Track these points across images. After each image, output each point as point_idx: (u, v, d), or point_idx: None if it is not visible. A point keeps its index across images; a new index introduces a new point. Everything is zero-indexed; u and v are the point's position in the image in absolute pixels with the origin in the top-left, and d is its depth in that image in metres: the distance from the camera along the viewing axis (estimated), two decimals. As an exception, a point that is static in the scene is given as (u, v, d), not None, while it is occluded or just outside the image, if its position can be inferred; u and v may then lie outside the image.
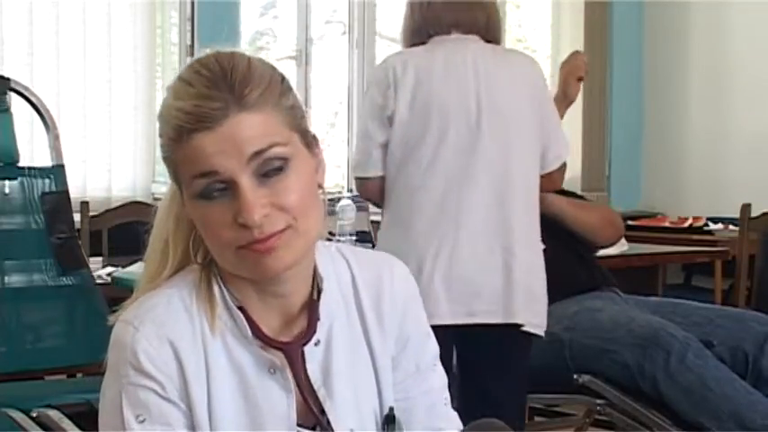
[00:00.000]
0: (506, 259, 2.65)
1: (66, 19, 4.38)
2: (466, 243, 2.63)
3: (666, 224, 5.51)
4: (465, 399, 2.62)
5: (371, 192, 2.77)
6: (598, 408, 3.04)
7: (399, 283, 1.45)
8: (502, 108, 2.69)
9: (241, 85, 1.26)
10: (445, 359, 2.66)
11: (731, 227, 4.90)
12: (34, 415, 2.33)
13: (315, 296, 1.37)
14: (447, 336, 2.60)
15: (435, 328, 2.59)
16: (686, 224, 5.38)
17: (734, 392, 2.84)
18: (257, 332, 1.33)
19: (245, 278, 1.32)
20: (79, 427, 2.27)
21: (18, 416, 2.33)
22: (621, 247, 3.92)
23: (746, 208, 4.08)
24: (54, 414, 2.32)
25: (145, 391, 1.28)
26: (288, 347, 1.34)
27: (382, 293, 1.42)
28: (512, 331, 2.67)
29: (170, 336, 1.30)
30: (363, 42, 5.41)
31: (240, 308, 1.33)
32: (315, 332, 1.35)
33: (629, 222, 5.30)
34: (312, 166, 1.32)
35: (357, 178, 2.80)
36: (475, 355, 2.71)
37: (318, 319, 1.36)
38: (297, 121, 1.30)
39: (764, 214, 4.11)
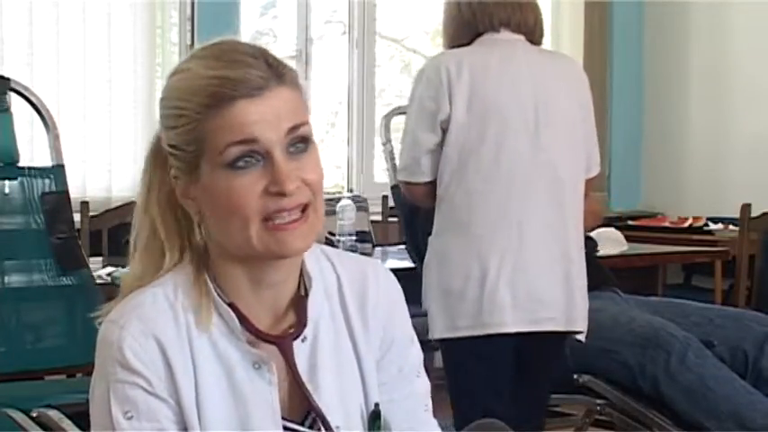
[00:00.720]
0: (566, 266, 2.67)
1: (66, 19, 4.38)
2: (529, 250, 2.62)
3: (666, 224, 5.51)
4: (515, 402, 2.66)
5: (418, 197, 2.75)
6: (598, 408, 3.04)
7: (384, 286, 1.46)
8: (556, 112, 2.69)
9: (277, 62, 1.31)
10: (505, 365, 2.66)
11: (731, 227, 4.89)
12: (34, 415, 2.33)
13: (302, 293, 1.39)
14: (509, 343, 2.61)
15: (498, 336, 2.58)
16: (686, 224, 5.39)
17: (734, 392, 2.84)
18: (249, 327, 1.34)
19: (241, 270, 1.33)
20: (79, 427, 2.27)
21: (18, 416, 2.33)
22: (621, 246, 3.92)
23: (746, 208, 4.08)
24: (54, 414, 2.32)
25: (132, 388, 1.29)
26: (278, 341, 1.35)
27: (366, 296, 1.43)
28: (564, 337, 2.72)
29: (155, 332, 1.30)
30: (363, 42, 5.41)
31: (230, 304, 1.34)
32: (304, 327, 1.37)
33: (629, 222, 5.31)
34: (319, 154, 1.35)
35: (403, 182, 2.77)
36: (531, 361, 2.72)
37: (305, 316, 1.37)
38: (308, 111, 1.35)
39: (764, 214, 4.11)
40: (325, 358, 1.38)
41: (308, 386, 1.36)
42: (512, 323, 2.61)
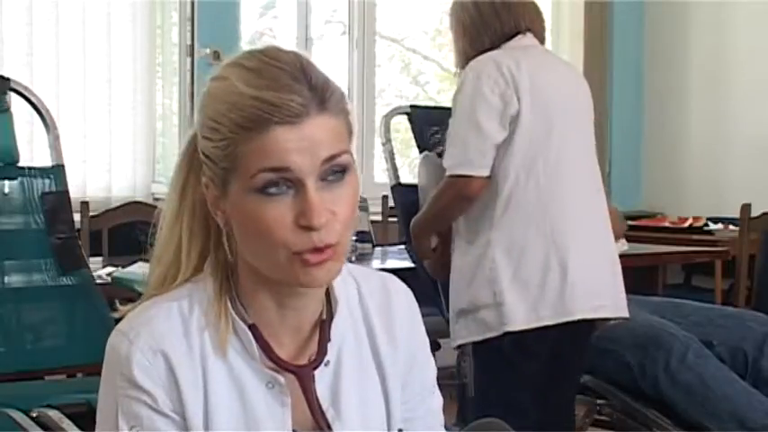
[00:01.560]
0: (611, 255, 2.80)
1: (66, 19, 4.37)
2: (589, 239, 2.73)
3: (666, 224, 5.52)
4: (559, 391, 2.80)
5: (476, 190, 2.74)
6: (598, 408, 3.04)
7: (406, 304, 1.45)
8: (587, 114, 2.86)
9: (323, 87, 1.25)
10: (576, 353, 2.78)
11: (731, 227, 4.90)
12: (34, 415, 2.33)
13: (324, 316, 1.36)
14: (550, 335, 2.68)
15: (566, 324, 2.65)
16: (686, 224, 5.39)
17: (734, 392, 2.84)
18: (269, 354, 1.32)
19: (268, 290, 1.31)
20: (79, 427, 2.27)
21: (18, 416, 2.33)
22: (621, 246, 3.91)
23: (746, 208, 4.09)
24: (54, 414, 2.32)
25: (138, 404, 1.28)
26: (299, 370, 1.33)
27: (393, 315, 1.42)
28: (594, 327, 2.80)
29: (164, 348, 1.29)
30: (363, 42, 5.41)
31: (252, 326, 1.32)
32: (325, 353, 1.35)
33: (630, 222, 5.30)
34: (358, 181, 1.30)
35: (462, 176, 2.74)
36: (576, 350, 2.80)
37: (329, 340, 1.35)
38: (352, 136, 1.30)
39: (764, 214, 4.11)
40: (349, 382, 1.36)
41: (330, 413, 1.34)
42: (585, 311, 2.69)
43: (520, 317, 2.66)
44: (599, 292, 2.73)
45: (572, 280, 2.66)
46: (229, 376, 1.31)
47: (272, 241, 1.24)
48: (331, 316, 1.36)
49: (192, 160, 1.34)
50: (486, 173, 2.72)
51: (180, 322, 1.31)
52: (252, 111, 1.22)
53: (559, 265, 2.66)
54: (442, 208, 2.85)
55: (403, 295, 1.45)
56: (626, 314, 2.80)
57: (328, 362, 1.35)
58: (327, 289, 1.36)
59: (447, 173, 2.79)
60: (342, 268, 1.30)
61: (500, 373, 2.73)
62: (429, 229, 2.95)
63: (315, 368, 1.34)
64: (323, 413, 1.34)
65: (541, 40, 2.86)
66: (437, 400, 1.49)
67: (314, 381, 1.34)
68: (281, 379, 1.32)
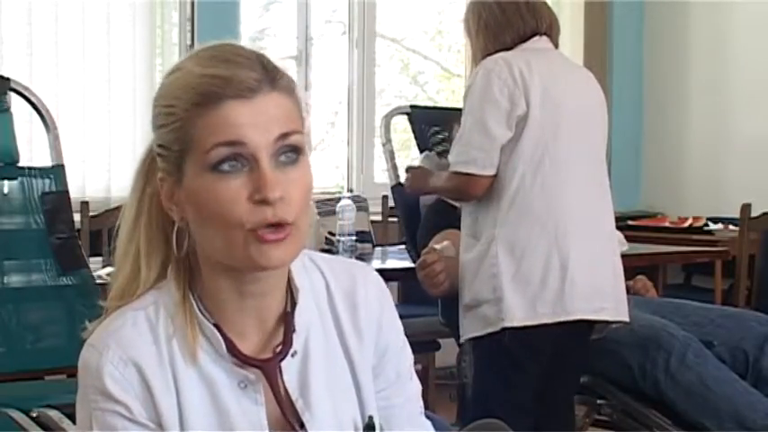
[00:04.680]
0: (614, 259, 2.82)
1: (66, 19, 4.37)
2: (592, 242, 2.75)
3: (666, 224, 5.52)
4: (559, 391, 2.83)
5: (480, 189, 2.77)
6: (598, 408, 3.04)
7: (374, 291, 1.43)
8: (599, 120, 2.87)
9: (274, 68, 1.27)
10: (581, 354, 2.82)
11: (731, 227, 4.90)
12: (34, 415, 2.33)
13: (289, 308, 1.35)
14: (552, 334, 2.70)
15: (566, 323, 2.67)
16: (686, 224, 5.39)
17: (734, 392, 2.84)
18: (233, 350, 1.31)
19: (227, 279, 1.30)
20: (79, 427, 2.27)
21: (18, 416, 2.33)
22: (621, 246, 3.92)
23: (746, 208, 4.09)
24: (54, 414, 2.32)
25: (112, 416, 1.27)
26: (264, 364, 1.32)
27: (357, 302, 1.40)
28: (592, 329, 2.82)
29: (134, 357, 1.28)
30: (363, 42, 5.41)
31: (216, 325, 1.31)
32: (291, 345, 1.34)
33: (629, 222, 5.31)
34: (310, 167, 1.31)
35: (466, 174, 2.77)
36: (576, 349, 2.82)
37: (294, 330, 1.34)
38: (304, 123, 1.31)
39: (764, 214, 4.11)
40: (317, 371, 1.35)
41: (299, 403, 1.33)
42: (587, 311, 2.71)
43: (518, 313, 2.67)
44: (600, 294, 2.74)
45: (572, 280, 2.67)
46: (200, 379, 1.30)
47: (227, 220, 1.24)
48: (294, 306, 1.35)
49: (148, 168, 1.34)
50: (489, 172, 2.74)
51: (148, 329, 1.30)
52: (205, 87, 1.24)
53: (561, 265, 2.68)
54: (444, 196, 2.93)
55: (371, 285, 1.43)
56: (626, 318, 2.81)
57: (295, 352, 1.34)
58: (289, 281, 1.35)
59: (450, 168, 2.81)
60: (298, 252, 1.29)
61: (500, 370, 2.73)
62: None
63: (281, 360, 1.33)
64: (292, 404, 1.33)
65: (555, 45, 2.89)
66: (414, 386, 1.47)
67: (281, 372, 1.33)
68: (252, 377, 1.31)
